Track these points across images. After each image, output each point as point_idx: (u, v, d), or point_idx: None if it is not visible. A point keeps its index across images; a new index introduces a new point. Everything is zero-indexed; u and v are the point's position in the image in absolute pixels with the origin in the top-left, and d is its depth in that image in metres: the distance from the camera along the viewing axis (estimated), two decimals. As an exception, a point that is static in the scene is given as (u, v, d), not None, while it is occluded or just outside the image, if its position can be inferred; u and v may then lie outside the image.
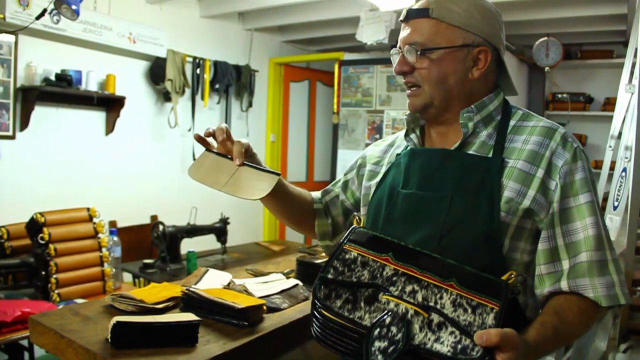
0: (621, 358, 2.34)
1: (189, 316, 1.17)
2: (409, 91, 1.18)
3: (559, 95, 4.75)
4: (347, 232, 1.09)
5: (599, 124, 4.52)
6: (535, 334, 0.92)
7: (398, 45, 1.17)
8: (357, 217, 1.15)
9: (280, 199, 1.30)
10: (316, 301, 0.95)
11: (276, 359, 1.30)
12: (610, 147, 2.72)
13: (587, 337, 2.11)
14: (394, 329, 0.87)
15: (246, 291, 1.44)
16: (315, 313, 0.96)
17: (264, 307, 1.32)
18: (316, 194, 1.44)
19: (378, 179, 1.26)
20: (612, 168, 2.61)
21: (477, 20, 1.11)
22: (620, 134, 2.59)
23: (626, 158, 2.30)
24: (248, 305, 1.25)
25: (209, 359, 1.07)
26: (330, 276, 0.97)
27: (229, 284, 1.53)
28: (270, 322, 1.30)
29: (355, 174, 1.37)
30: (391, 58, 1.21)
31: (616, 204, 2.29)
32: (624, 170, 2.30)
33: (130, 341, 1.10)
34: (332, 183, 1.44)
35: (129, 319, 1.12)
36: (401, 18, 1.17)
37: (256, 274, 1.74)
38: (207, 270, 1.64)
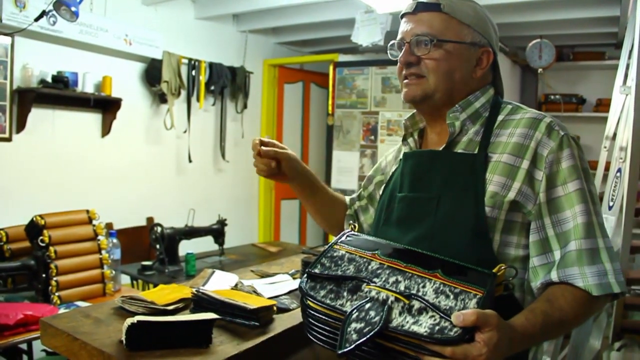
0: (615, 356, 2.38)
1: (203, 315, 1.17)
2: (408, 80, 1.16)
3: (552, 97, 4.79)
4: (340, 235, 1.12)
5: (591, 125, 4.57)
6: (522, 319, 0.92)
7: (400, 38, 1.17)
8: (352, 225, 1.18)
9: (318, 199, 1.38)
10: (302, 293, 0.99)
11: (286, 358, 1.31)
12: (605, 147, 2.76)
13: (583, 336, 2.14)
14: (372, 313, 0.88)
15: (255, 292, 1.45)
16: (305, 308, 0.99)
17: (274, 308, 1.33)
18: (346, 199, 1.51)
19: (381, 188, 1.32)
20: (607, 169, 2.64)
21: (484, 22, 1.15)
22: (614, 134, 2.63)
23: (621, 159, 2.34)
24: (259, 305, 1.26)
25: (224, 359, 1.08)
26: (317, 271, 1.01)
27: (236, 285, 1.54)
28: (280, 322, 1.31)
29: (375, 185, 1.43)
30: (389, 52, 1.22)
31: (611, 204, 2.32)
32: (619, 170, 2.33)
33: (145, 342, 1.10)
34: (361, 189, 1.49)
35: (147, 317, 1.12)
36: (408, 10, 1.17)
37: (262, 275, 1.75)
38: (213, 272, 1.65)
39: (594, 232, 1.01)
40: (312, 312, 0.97)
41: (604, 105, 4.45)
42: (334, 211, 1.47)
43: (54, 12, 2.82)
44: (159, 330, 1.12)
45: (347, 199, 1.51)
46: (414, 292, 0.90)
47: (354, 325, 0.87)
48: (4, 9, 3.02)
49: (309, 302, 0.97)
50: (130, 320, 1.10)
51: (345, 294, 0.95)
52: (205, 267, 1.92)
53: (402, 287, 0.92)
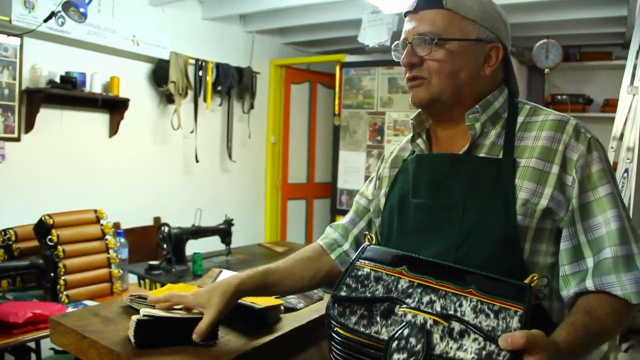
0: (623, 357, 2.37)
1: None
2: (412, 82, 1.09)
3: (559, 97, 4.78)
4: (359, 250, 1.06)
5: (598, 125, 4.54)
6: (565, 334, 0.86)
7: (403, 38, 1.10)
8: (368, 236, 1.12)
9: (283, 286, 1.24)
10: (331, 320, 0.93)
11: (293, 358, 1.32)
12: (612, 148, 2.75)
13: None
14: (412, 340, 0.83)
15: (262, 291, 1.46)
16: (332, 334, 0.94)
17: (282, 307, 1.33)
18: (333, 237, 1.34)
19: (385, 188, 1.23)
20: (614, 169, 2.63)
21: (491, 16, 1.07)
22: (622, 135, 2.62)
23: (628, 159, 2.32)
24: (267, 305, 1.27)
25: (231, 358, 1.09)
26: (343, 294, 0.96)
27: (243, 284, 1.55)
28: (288, 321, 1.31)
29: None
30: (393, 54, 1.15)
31: (618, 204, 2.31)
32: (626, 171, 2.32)
33: (153, 340, 1.11)
34: (353, 212, 1.35)
35: (153, 311, 1.13)
36: (409, 9, 1.10)
37: (269, 275, 1.75)
38: (220, 271, 1.66)
39: (628, 237, 0.97)
40: (342, 340, 0.92)
41: (611, 105, 4.44)
42: (306, 274, 1.28)
43: (63, 13, 2.85)
44: (167, 328, 1.13)
45: (332, 236, 1.34)
46: (451, 312, 0.86)
47: (396, 356, 0.83)
48: (13, 10, 3.05)
49: (338, 329, 0.92)
50: (136, 317, 1.10)
51: (378, 318, 0.90)
52: (212, 267, 1.93)
53: (437, 307, 0.87)
